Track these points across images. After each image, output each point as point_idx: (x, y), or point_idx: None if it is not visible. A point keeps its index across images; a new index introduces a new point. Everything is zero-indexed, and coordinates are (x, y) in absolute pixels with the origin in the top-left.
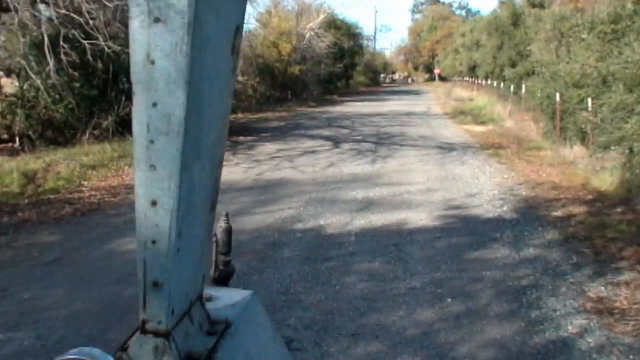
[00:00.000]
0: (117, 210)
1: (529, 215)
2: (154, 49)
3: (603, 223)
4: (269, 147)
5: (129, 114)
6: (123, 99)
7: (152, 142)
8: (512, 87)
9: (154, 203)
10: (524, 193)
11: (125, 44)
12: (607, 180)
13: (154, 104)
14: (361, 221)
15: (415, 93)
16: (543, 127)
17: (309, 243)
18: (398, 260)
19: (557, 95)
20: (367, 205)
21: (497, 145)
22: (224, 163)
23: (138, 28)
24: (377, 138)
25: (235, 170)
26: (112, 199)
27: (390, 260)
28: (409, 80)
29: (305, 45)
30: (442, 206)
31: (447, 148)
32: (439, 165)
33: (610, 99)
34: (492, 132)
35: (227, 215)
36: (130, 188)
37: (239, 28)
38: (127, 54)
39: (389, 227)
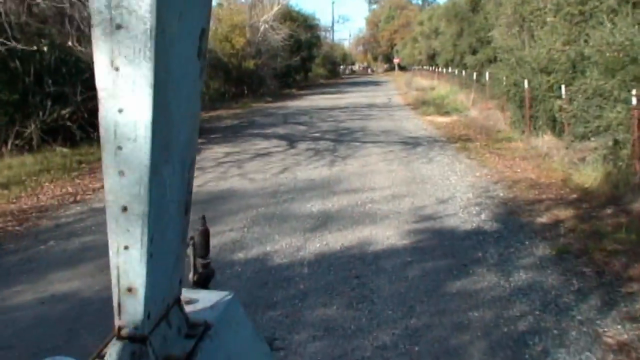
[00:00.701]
0: (17, 244)
1: (512, 223)
2: (117, 55)
3: (597, 230)
4: (217, 151)
5: (56, 121)
6: (49, 103)
7: (119, 148)
8: (474, 74)
9: (124, 209)
10: (501, 194)
11: (49, 42)
12: (589, 175)
13: (120, 110)
14: (316, 244)
15: (376, 83)
16: (511, 116)
17: (250, 281)
18: (362, 300)
19: (525, 82)
20: (324, 222)
21: (464, 138)
22: None
23: (100, 35)
24: (336, 135)
25: None
26: (17, 227)
27: (351, 302)
28: (369, 70)
29: (260, 39)
30: (412, 217)
31: (412, 143)
32: (404, 164)
33: (585, 85)
34: (457, 123)
35: (203, 217)
36: (43, 211)
37: (204, 31)
38: (52, 53)
39: (349, 250)
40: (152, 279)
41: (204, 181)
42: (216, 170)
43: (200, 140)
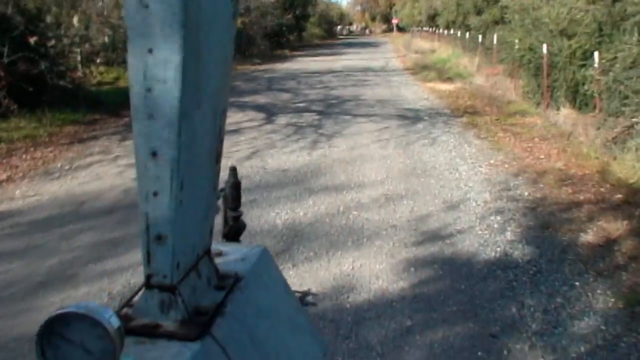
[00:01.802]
0: None
1: (549, 245)
2: None
3: None
4: None
5: None
6: None
7: (149, 90)
8: (479, 37)
9: (154, 154)
10: (526, 194)
11: None
12: (633, 167)
13: (150, 50)
14: None
15: (373, 45)
16: (523, 85)
17: None
18: None
19: (544, 47)
20: (289, 245)
21: (471, 110)
22: (95, 157)
23: None
24: (324, 105)
25: (107, 170)
26: None
27: None
28: (367, 31)
29: None
30: (412, 235)
31: (411, 117)
32: (402, 146)
33: (623, 52)
34: (462, 91)
35: (234, 169)
36: None
37: None
38: None
39: (320, 302)
40: (182, 227)
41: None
42: None
43: None
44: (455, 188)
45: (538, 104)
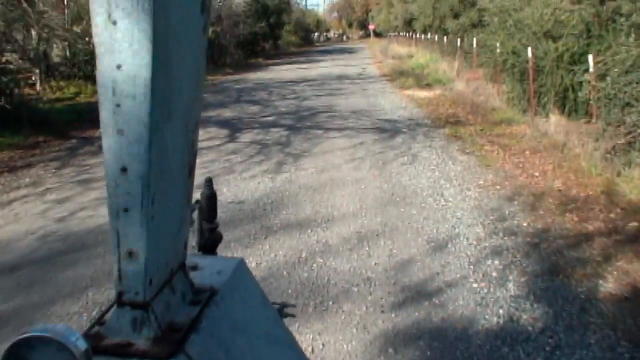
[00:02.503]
0: None
1: (564, 303)
2: (115, 8)
3: None
4: None
5: None
6: None
7: (118, 105)
8: (457, 40)
9: (123, 170)
10: (524, 224)
11: None
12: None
13: (119, 66)
14: None
15: (350, 51)
16: (508, 91)
17: None
18: None
19: (529, 50)
20: None
21: (453, 120)
22: (22, 190)
23: None
24: (295, 118)
25: (29, 209)
26: None
27: None
28: (344, 37)
29: (220, 4)
30: (389, 296)
31: (388, 130)
32: (378, 167)
33: (620, 55)
34: (442, 99)
35: (210, 180)
36: None
37: None
38: None
39: None
40: (154, 242)
41: (76, 208)
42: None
43: None
44: (441, 220)
45: (524, 111)
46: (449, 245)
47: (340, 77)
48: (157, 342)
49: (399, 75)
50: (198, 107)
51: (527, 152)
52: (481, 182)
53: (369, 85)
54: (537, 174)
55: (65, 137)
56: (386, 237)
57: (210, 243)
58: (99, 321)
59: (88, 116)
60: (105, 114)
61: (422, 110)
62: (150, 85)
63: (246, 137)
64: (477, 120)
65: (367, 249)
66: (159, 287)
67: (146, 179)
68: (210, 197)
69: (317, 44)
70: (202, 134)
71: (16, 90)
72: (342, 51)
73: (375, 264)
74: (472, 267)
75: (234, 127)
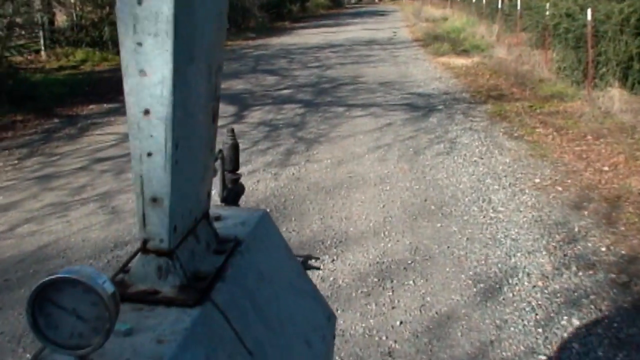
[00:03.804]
0: None
1: None
2: None
3: None
4: (113, 131)
5: None
6: None
7: (139, 44)
8: (498, 2)
9: (146, 112)
10: (603, 249)
11: None
12: None
13: (139, 2)
14: None
15: (381, 14)
16: (558, 59)
17: None
18: None
19: (589, 12)
20: None
21: (495, 93)
22: None
23: None
24: (314, 92)
25: None
26: None
27: None
28: None
29: None
30: None
31: (421, 107)
32: (408, 158)
33: None
34: (481, 67)
35: (232, 131)
36: None
37: None
38: None
39: None
40: (178, 188)
41: (11, 225)
42: (76, 182)
43: (102, 108)
44: (491, 243)
45: (578, 83)
46: (505, 289)
47: (369, 42)
48: (183, 289)
49: (433, 40)
50: (221, 50)
51: (589, 137)
52: (537, 180)
53: (400, 51)
54: (605, 167)
55: (47, 116)
56: (417, 273)
57: (233, 194)
58: (124, 268)
59: (82, 89)
60: (125, 54)
61: (459, 82)
62: (173, 23)
63: (255, 116)
64: (524, 94)
65: (391, 293)
66: (184, 235)
67: (170, 123)
68: (233, 147)
69: (348, 6)
70: None
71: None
72: (373, 14)
73: (401, 322)
74: (540, 331)
75: (243, 103)
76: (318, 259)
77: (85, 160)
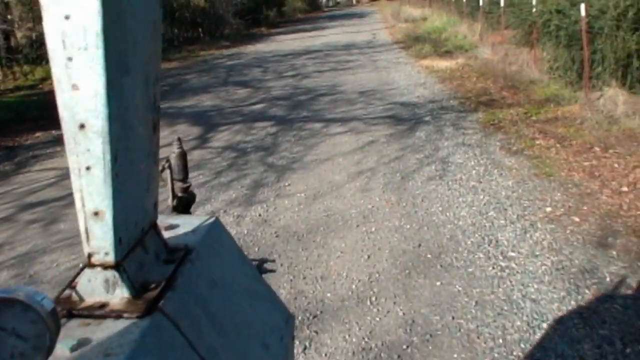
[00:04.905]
0: None
1: None
2: None
3: None
4: (55, 165)
5: None
6: None
7: (70, 59)
8: None
9: (82, 126)
10: None
11: None
12: None
13: (67, 17)
14: None
15: (359, 16)
16: (549, 59)
17: None
18: None
19: (582, 7)
20: None
21: (485, 99)
22: None
23: None
24: (288, 106)
25: None
26: None
27: None
28: (354, 1)
29: None
30: None
31: (406, 119)
32: (396, 186)
33: None
34: (467, 69)
35: (179, 139)
36: None
37: None
38: None
39: None
40: (120, 201)
41: None
42: None
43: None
44: (506, 309)
45: (572, 83)
46: None
47: (348, 47)
48: (131, 301)
49: (414, 42)
50: (157, 61)
51: (597, 149)
52: (548, 208)
53: (381, 55)
54: (624, 188)
55: None
56: None
57: (184, 203)
58: (71, 285)
59: (30, 114)
60: (56, 69)
61: (445, 87)
62: (103, 37)
63: (221, 138)
64: (516, 98)
65: None
66: (130, 247)
67: (107, 135)
68: (181, 156)
69: (326, 9)
70: (166, 134)
71: None
72: (351, 16)
73: None
74: None
75: (209, 123)
76: (273, 261)
77: (12, 207)
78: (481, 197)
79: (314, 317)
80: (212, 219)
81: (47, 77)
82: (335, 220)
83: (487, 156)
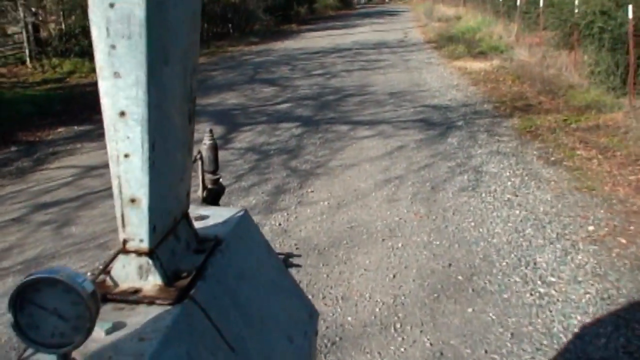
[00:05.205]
0: None
1: None
2: None
3: None
4: (73, 163)
5: None
6: None
7: (113, 47)
8: None
9: (122, 114)
10: None
11: None
12: None
13: (111, 5)
14: None
15: (391, 14)
16: (591, 63)
17: None
18: None
19: (629, 9)
20: None
21: (521, 103)
22: None
23: None
24: (315, 106)
25: None
26: None
27: None
28: None
29: None
30: None
31: (438, 124)
32: (425, 197)
33: None
34: (502, 72)
35: (211, 131)
36: None
37: None
38: None
39: None
40: (156, 189)
41: None
42: None
43: (69, 134)
44: (546, 343)
45: (615, 89)
46: None
47: (379, 45)
48: (163, 288)
49: (447, 42)
50: (195, 52)
51: None
52: (591, 227)
53: (412, 55)
54: None
55: (4, 142)
56: None
57: (213, 194)
58: (105, 269)
59: (54, 108)
60: (100, 56)
61: (479, 90)
62: (146, 25)
63: (244, 139)
64: (554, 103)
65: None
66: (164, 235)
67: (145, 124)
68: (212, 148)
69: (357, 7)
70: None
71: None
72: (383, 14)
73: None
74: None
75: (232, 122)
76: (299, 256)
77: (25, 207)
78: (517, 211)
79: (333, 344)
80: (242, 212)
81: (75, 70)
82: (360, 233)
83: (523, 166)
